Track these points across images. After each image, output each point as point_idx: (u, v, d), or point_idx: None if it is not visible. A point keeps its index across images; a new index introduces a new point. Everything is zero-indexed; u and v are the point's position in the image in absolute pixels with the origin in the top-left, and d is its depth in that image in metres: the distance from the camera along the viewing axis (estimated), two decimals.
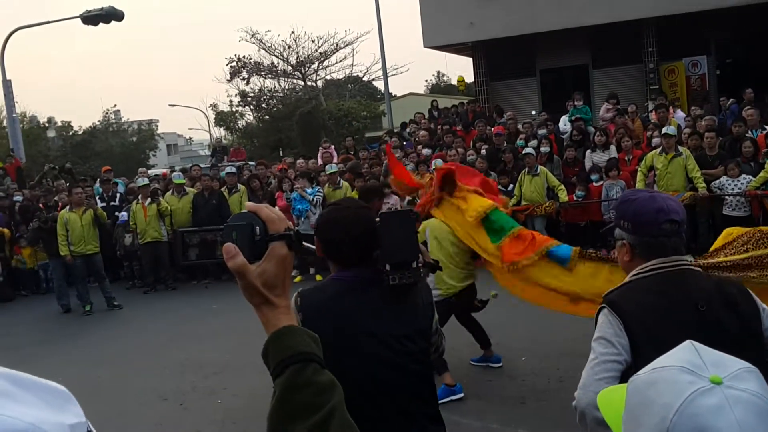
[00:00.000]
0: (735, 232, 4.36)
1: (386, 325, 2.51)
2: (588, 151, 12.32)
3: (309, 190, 12.06)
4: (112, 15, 19.29)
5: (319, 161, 15.21)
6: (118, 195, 14.27)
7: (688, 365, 1.14)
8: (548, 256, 5.26)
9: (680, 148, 10.42)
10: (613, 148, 12.05)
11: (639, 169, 10.74)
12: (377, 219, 2.56)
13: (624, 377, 2.19)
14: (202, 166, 17.89)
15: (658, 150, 10.58)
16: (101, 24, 19.43)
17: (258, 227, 1.27)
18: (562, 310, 5.34)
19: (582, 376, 2.31)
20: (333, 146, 17.18)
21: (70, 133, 41.84)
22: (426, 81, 63.72)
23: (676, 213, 2.37)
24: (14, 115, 21.30)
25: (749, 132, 11.10)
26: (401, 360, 2.52)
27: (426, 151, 14.29)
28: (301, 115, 27.55)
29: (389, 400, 2.50)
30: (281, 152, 22.95)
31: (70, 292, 11.77)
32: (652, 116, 13.10)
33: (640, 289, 2.36)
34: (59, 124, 43.03)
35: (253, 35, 29.77)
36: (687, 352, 1.18)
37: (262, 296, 1.25)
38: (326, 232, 2.61)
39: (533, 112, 18.42)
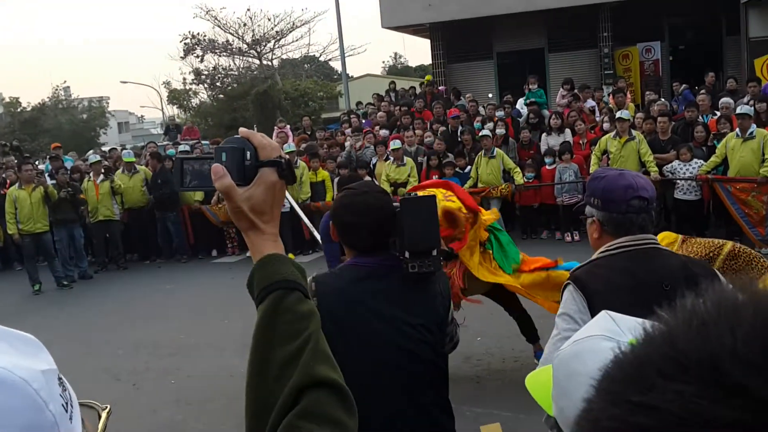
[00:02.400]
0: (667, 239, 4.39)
1: (403, 314, 2.45)
2: (543, 135, 12.44)
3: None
4: None
5: (274, 140, 15.06)
6: (68, 172, 13.91)
7: (608, 332, 1.16)
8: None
9: (633, 132, 10.59)
10: (568, 131, 12.19)
11: (593, 152, 10.90)
12: (397, 204, 2.49)
13: None
14: (158, 144, 17.60)
15: (612, 134, 10.74)
16: None
17: (249, 152, 1.24)
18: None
19: (544, 351, 2.32)
20: (288, 126, 17.05)
21: (18, 110, 40.81)
22: (383, 62, 63.70)
23: (645, 190, 2.38)
24: None
25: (701, 117, 11.33)
26: (418, 349, 2.45)
27: (384, 132, 14.28)
28: (257, 94, 27.23)
29: (403, 389, 2.45)
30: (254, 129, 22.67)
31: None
32: (610, 101, 13.29)
33: (606, 267, 2.37)
34: (7, 100, 41.95)
35: (207, 12, 29.31)
36: (604, 321, 1.21)
37: (249, 221, 1.24)
38: (343, 217, 2.54)
39: (490, 95, 18.52)
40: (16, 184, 11.41)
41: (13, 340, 0.82)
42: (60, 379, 0.84)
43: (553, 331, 2.33)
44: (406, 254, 2.39)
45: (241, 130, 1.29)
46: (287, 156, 1.30)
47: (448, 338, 2.58)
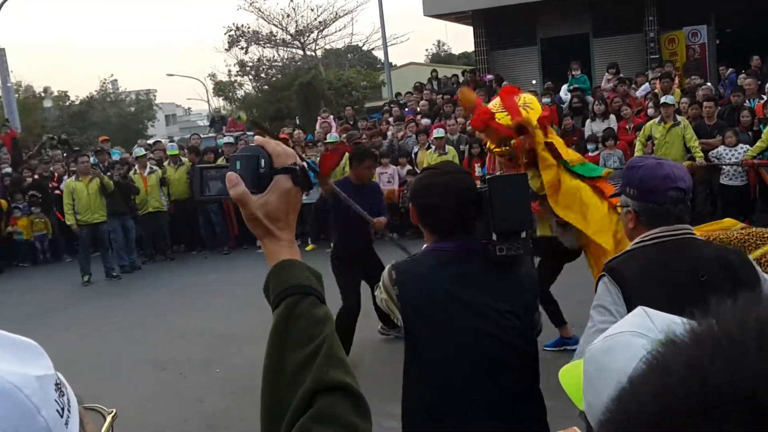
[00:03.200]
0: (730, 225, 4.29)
1: (491, 300, 2.33)
2: (587, 121, 12.27)
3: (310, 161, 12.05)
4: None
5: (318, 131, 15.15)
6: (115, 165, 14.19)
7: (640, 329, 1.14)
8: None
9: (678, 118, 10.37)
10: (612, 117, 11.99)
11: (637, 138, 10.71)
12: (484, 183, 2.39)
13: None
14: (202, 136, 17.83)
15: (657, 119, 10.54)
16: None
17: (263, 160, 1.25)
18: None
19: (579, 344, 2.28)
20: (332, 116, 17.11)
21: (67, 103, 41.63)
22: (426, 50, 63.25)
23: (683, 180, 2.33)
24: (8, 85, 21.19)
25: (747, 101, 11.05)
26: (507, 336, 2.33)
27: (425, 121, 14.23)
28: (301, 84, 27.33)
29: (487, 377, 2.33)
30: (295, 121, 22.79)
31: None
32: (656, 86, 13.02)
33: (641, 258, 2.33)
34: (56, 94, 42.79)
35: (251, 3, 29.47)
36: (638, 317, 1.19)
37: (264, 228, 1.25)
38: (423, 198, 2.44)
39: (534, 82, 18.30)
40: (73, 176, 11.63)
41: (9, 347, 0.82)
42: (58, 384, 0.85)
43: (588, 323, 2.28)
44: (494, 236, 2.30)
45: (256, 138, 1.30)
46: (302, 163, 1.31)
47: (533, 324, 2.47)
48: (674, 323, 1.14)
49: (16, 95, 26.54)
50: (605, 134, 11.32)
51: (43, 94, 40.99)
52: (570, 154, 5.55)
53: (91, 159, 14.60)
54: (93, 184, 11.34)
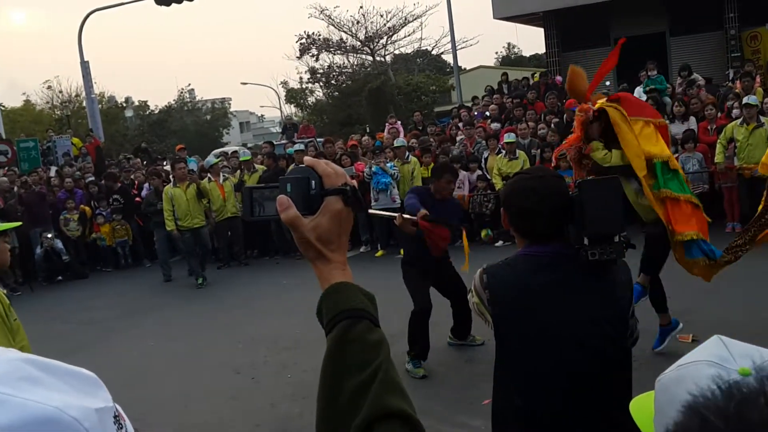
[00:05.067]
0: None
1: (583, 307, 2.30)
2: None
3: (388, 164, 12.11)
4: None
5: (386, 137, 15.20)
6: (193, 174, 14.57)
7: (715, 359, 1.08)
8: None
9: (762, 119, 9.96)
10: (692, 119, 11.60)
11: (719, 140, 10.34)
12: (576, 187, 2.36)
13: None
14: (276, 143, 18.12)
15: (739, 121, 10.15)
16: (173, 4, 19.81)
17: (314, 181, 1.25)
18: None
19: None
20: (400, 122, 17.15)
21: (147, 113, 43.03)
22: (496, 53, 62.66)
23: None
24: (92, 96, 22.02)
25: None
26: (600, 344, 2.29)
27: (495, 125, 14.09)
28: (370, 90, 27.53)
29: (580, 387, 2.29)
30: (366, 127, 22.93)
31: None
32: (736, 85, 12.53)
33: None
34: (136, 103, 44.32)
35: (321, 11, 29.87)
36: (714, 346, 1.12)
37: (316, 250, 1.24)
38: (516, 203, 2.41)
39: (607, 83, 17.88)
40: (171, 183, 11.97)
41: (70, 378, 0.83)
42: (116, 416, 0.85)
43: None
44: (585, 241, 2.26)
45: (306, 158, 1.30)
46: (353, 183, 1.29)
47: (629, 332, 2.39)
48: (753, 352, 1.08)
49: (100, 105, 27.57)
50: (685, 136, 10.96)
51: (124, 104, 42.52)
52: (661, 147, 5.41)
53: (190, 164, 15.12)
54: (191, 189, 11.62)
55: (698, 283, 8.34)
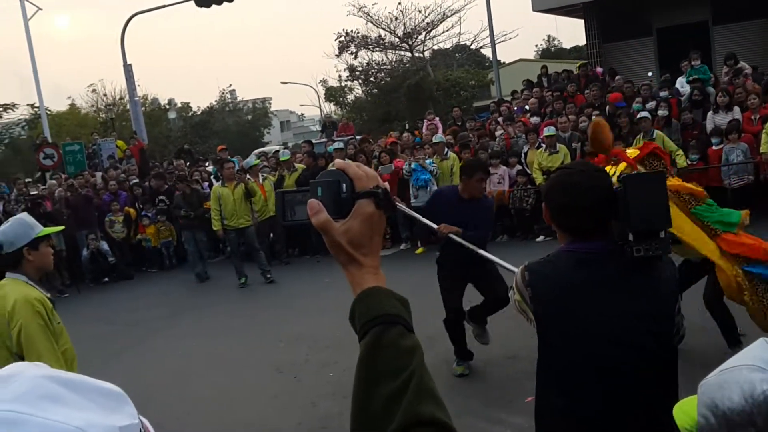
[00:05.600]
0: None
1: (628, 303, 2.26)
2: (710, 113, 11.65)
3: (427, 161, 12.08)
4: None
5: (425, 132, 15.15)
6: None
7: (760, 362, 1.04)
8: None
9: None
10: (736, 109, 11.32)
11: (764, 130, 10.06)
12: (620, 182, 2.33)
13: None
14: (314, 141, 18.20)
15: None
16: (214, 6, 20.02)
17: (345, 184, 1.23)
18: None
19: None
20: (438, 118, 17.08)
21: (189, 114, 43.58)
22: (536, 46, 62.19)
23: None
24: (136, 98, 22.37)
25: None
26: (643, 342, 2.25)
27: (535, 119, 13.95)
28: (409, 86, 27.48)
29: (625, 386, 2.26)
30: (405, 123, 22.84)
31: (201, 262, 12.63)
32: None
33: None
34: (179, 105, 44.92)
35: (360, 9, 29.89)
36: (759, 349, 1.08)
37: (347, 255, 1.23)
38: (558, 198, 2.39)
39: (650, 74, 17.58)
40: (219, 182, 12.09)
41: (94, 395, 0.82)
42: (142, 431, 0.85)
43: None
44: (630, 237, 2.23)
45: (337, 161, 1.28)
46: (385, 185, 1.28)
47: (675, 329, 2.35)
48: None
49: (143, 108, 28.01)
50: (730, 126, 10.71)
51: (167, 106, 43.13)
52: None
53: (212, 168, 15.28)
54: (239, 189, 11.70)
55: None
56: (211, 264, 13.63)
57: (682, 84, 13.80)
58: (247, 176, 12.73)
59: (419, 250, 12.10)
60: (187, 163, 16.91)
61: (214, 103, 44.84)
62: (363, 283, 1.22)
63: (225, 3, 20.03)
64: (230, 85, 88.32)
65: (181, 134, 37.96)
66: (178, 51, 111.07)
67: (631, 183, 2.27)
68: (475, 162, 6.81)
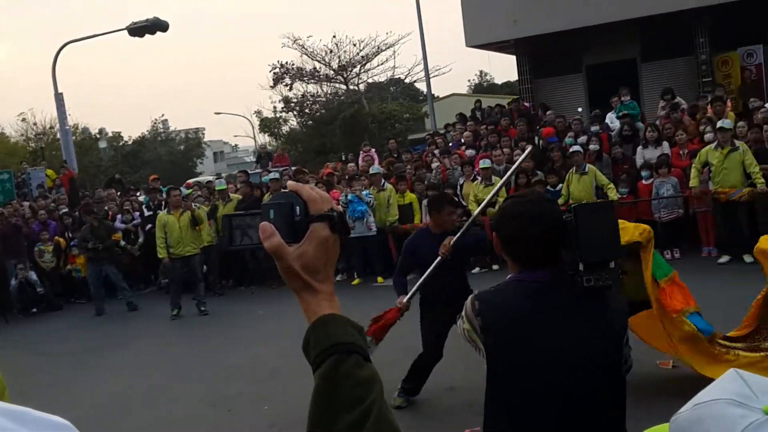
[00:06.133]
0: None
1: (578, 334, 2.24)
2: (639, 148, 12.00)
3: (364, 192, 12.04)
4: (157, 26, 19.55)
5: (361, 165, 15.17)
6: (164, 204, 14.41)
7: (736, 396, 0.99)
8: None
9: (737, 142, 10.06)
10: (665, 144, 11.70)
11: (693, 165, 10.40)
12: (570, 212, 2.30)
13: None
14: (250, 172, 18.01)
15: (713, 145, 10.24)
16: (147, 35, 19.72)
17: (298, 207, 1.17)
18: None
19: None
20: (374, 149, 17.16)
21: (121, 144, 42.83)
22: (469, 81, 63.36)
23: None
24: (66, 127, 21.78)
25: None
26: (594, 373, 2.24)
27: (470, 152, 14.13)
28: (344, 119, 27.57)
29: (574, 415, 2.24)
30: (341, 155, 22.86)
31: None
32: (708, 110, 12.68)
33: None
34: (110, 134, 44.12)
35: (295, 41, 29.93)
36: (732, 382, 1.03)
37: (301, 281, 1.16)
38: (508, 227, 2.37)
39: (579, 110, 18.07)
40: (165, 210, 11.81)
41: (39, 427, 0.77)
42: None
43: None
44: (581, 266, 2.20)
45: (289, 183, 1.22)
46: (339, 208, 1.21)
47: (624, 360, 2.34)
48: None
49: (74, 137, 27.30)
50: (659, 161, 11.04)
51: (98, 136, 42.26)
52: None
53: (144, 198, 14.94)
54: (185, 217, 11.44)
55: None
56: (142, 295, 13.29)
57: (612, 119, 14.21)
58: (194, 204, 12.48)
59: (355, 281, 12.03)
60: (118, 193, 16.54)
61: (146, 133, 44.23)
62: (318, 310, 1.16)
63: (158, 33, 19.76)
64: (162, 114, 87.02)
65: (111, 164, 37.22)
66: (111, 80, 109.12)
67: (581, 212, 2.25)
68: (442, 196, 6.77)
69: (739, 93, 16.13)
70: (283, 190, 1.23)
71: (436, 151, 14.94)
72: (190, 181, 19.78)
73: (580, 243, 2.20)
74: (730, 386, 1.03)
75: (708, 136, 11.14)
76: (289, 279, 1.18)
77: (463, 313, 2.38)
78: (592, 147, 12.03)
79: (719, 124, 10.39)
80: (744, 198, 9.85)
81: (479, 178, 12.01)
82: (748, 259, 9.93)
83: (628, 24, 17.10)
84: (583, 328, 2.25)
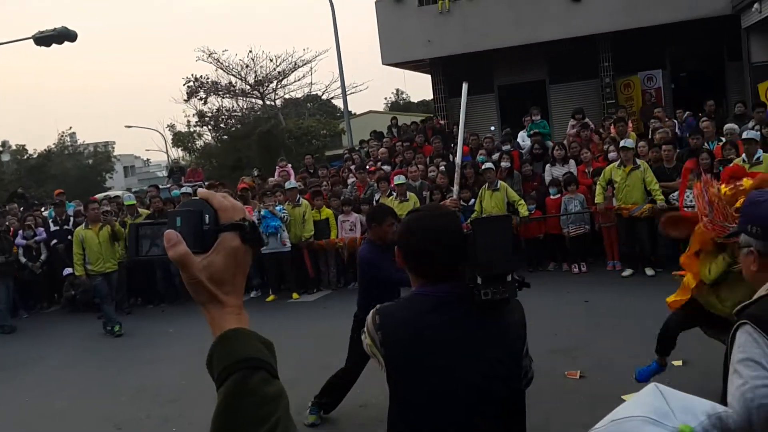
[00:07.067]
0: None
1: (475, 346, 2.25)
2: (547, 165, 12.36)
3: (277, 207, 11.91)
4: (64, 36, 18.86)
5: (276, 180, 15.05)
6: (71, 219, 13.90)
7: (653, 414, 1.01)
8: None
9: (638, 161, 10.48)
10: (572, 162, 12.09)
11: (597, 182, 10.78)
12: (469, 225, 2.31)
13: None
14: (161, 187, 17.61)
15: (617, 163, 10.64)
16: (54, 45, 19.04)
17: (208, 215, 1.12)
18: None
19: (731, 405, 1.98)
20: (290, 165, 17.06)
21: (25, 157, 41.12)
22: (386, 98, 64.01)
23: None
24: None
25: (706, 144, 11.22)
26: (493, 386, 2.25)
27: (386, 168, 14.23)
28: (260, 134, 27.31)
29: (472, 427, 2.24)
30: (255, 170, 22.61)
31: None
32: (611, 130, 13.18)
33: None
34: (13, 147, 42.30)
35: (210, 55, 29.47)
36: (651, 398, 1.05)
37: (208, 292, 1.11)
38: (409, 242, 2.37)
39: (492, 128, 18.49)
40: (83, 224, 11.29)
41: None
42: None
43: (736, 380, 2.01)
44: (479, 280, 2.21)
45: (200, 191, 1.18)
46: (252, 218, 1.18)
47: (523, 372, 2.36)
48: (694, 406, 1.00)
49: None
50: (566, 179, 11.39)
51: (1, 148, 40.46)
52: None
53: (48, 212, 14.34)
54: (104, 231, 11.04)
55: (581, 321, 8.60)
56: (47, 314, 12.76)
57: (523, 138, 14.59)
58: (116, 218, 12.06)
59: (270, 298, 11.88)
60: (21, 208, 15.84)
61: (53, 146, 42.65)
62: (224, 324, 1.11)
63: (66, 43, 19.11)
64: (70, 127, 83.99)
65: (15, 177, 35.68)
66: (15, 91, 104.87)
67: (478, 226, 2.28)
68: (383, 207, 6.71)
69: (641, 114, 16.86)
70: (193, 198, 1.18)
71: (353, 167, 14.98)
72: (98, 196, 19.09)
73: (477, 256, 2.22)
74: (649, 402, 1.03)
75: (612, 155, 11.57)
76: (194, 291, 1.13)
77: (365, 327, 2.37)
78: (503, 164, 12.31)
79: (622, 143, 10.81)
80: (645, 214, 10.27)
81: (394, 194, 12.10)
82: (649, 272, 10.36)
83: (536, 47, 17.68)
84: (482, 342, 2.27)
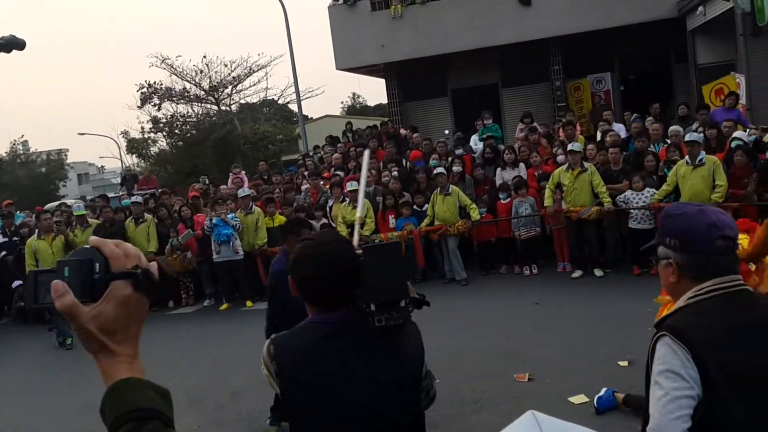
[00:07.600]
0: None
1: (371, 372, 2.25)
2: (498, 169, 12.47)
3: (229, 215, 11.81)
4: (12, 44, 18.42)
5: (230, 186, 14.95)
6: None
7: None
8: None
9: (585, 164, 10.64)
10: (522, 165, 12.21)
11: (546, 186, 10.92)
12: (360, 251, 2.31)
13: (695, 413, 2.00)
14: (111, 195, 17.36)
15: (565, 166, 10.78)
16: (2, 53, 18.64)
17: (98, 263, 1.12)
18: None
19: (652, 416, 2.04)
20: (244, 171, 16.96)
21: None
22: (342, 103, 64.00)
23: (730, 228, 2.16)
24: None
25: (652, 146, 11.45)
26: (386, 410, 2.26)
27: (340, 173, 14.23)
28: (216, 140, 27.11)
29: None
30: (205, 178, 22.39)
31: None
32: (560, 133, 13.36)
33: (701, 314, 2.12)
34: None
35: (163, 60, 29.18)
36: (528, 425, 1.09)
37: (98, 342, 1.12)
38: (302, 270, 2.36)
39: (446, 132, 18.64)
40: (35, 235, 11.06)
41: None
42: None
43: (657, 392, 2.04)
44: (372, 307, 2.22)
45: (92, 239, 1.18)
46: (149, 265, 1.18)
47: (424, 393, 2.38)
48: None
49: None
50: (516, 183, 11.52)
51: None
52: None
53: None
54: (57, 241, 10.82)
55: (531, 323, 8.70)
56: None
57: (475, 141, 14.71)
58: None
59: (223, 306, 11.79)
60: None
61: (4, 155, 41.77)
62: (115, 374, 1.13)
63: (15, 51, 18.73)
64: (22, 135, 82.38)
65: None
66: None
67: (369, 253, 2.30)
68: (299, 219, 6.68)
69: (590, 117, 17.13)
70: (84, 246, 1.18)
71: (306, 173, 14.94)
72: (48, 205, 18.73)
73: (369, 283, 2.24)
74: (524, 428, 1.07)
75: (560, 158, 11.74)
76: (84, 340, 1.13)
77: (262, 357, 2.35)
78: (455, 169, 12.39)
79: (569, 147, 10.96)
80: (593, 216, 10.43)
81: (347, 200, 12.10)
82: (598, 273, 10.54)
83: (488, 51, 17.87)
84: (378, 367, 2.27)
